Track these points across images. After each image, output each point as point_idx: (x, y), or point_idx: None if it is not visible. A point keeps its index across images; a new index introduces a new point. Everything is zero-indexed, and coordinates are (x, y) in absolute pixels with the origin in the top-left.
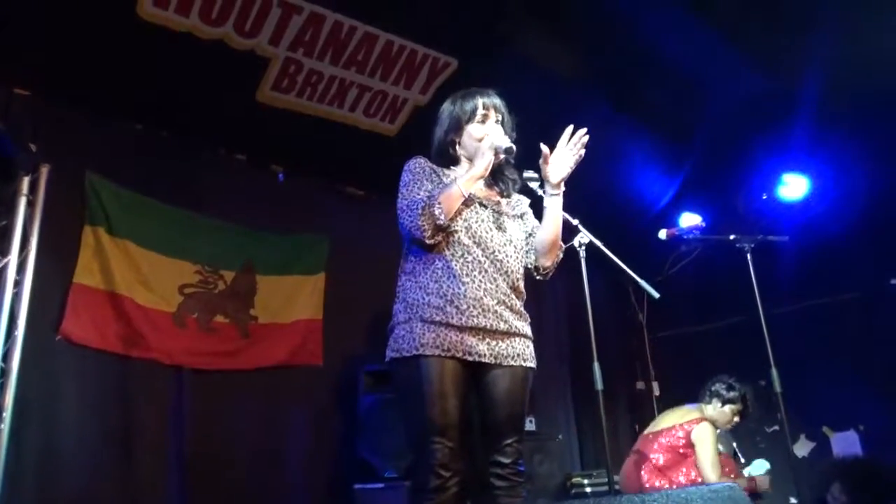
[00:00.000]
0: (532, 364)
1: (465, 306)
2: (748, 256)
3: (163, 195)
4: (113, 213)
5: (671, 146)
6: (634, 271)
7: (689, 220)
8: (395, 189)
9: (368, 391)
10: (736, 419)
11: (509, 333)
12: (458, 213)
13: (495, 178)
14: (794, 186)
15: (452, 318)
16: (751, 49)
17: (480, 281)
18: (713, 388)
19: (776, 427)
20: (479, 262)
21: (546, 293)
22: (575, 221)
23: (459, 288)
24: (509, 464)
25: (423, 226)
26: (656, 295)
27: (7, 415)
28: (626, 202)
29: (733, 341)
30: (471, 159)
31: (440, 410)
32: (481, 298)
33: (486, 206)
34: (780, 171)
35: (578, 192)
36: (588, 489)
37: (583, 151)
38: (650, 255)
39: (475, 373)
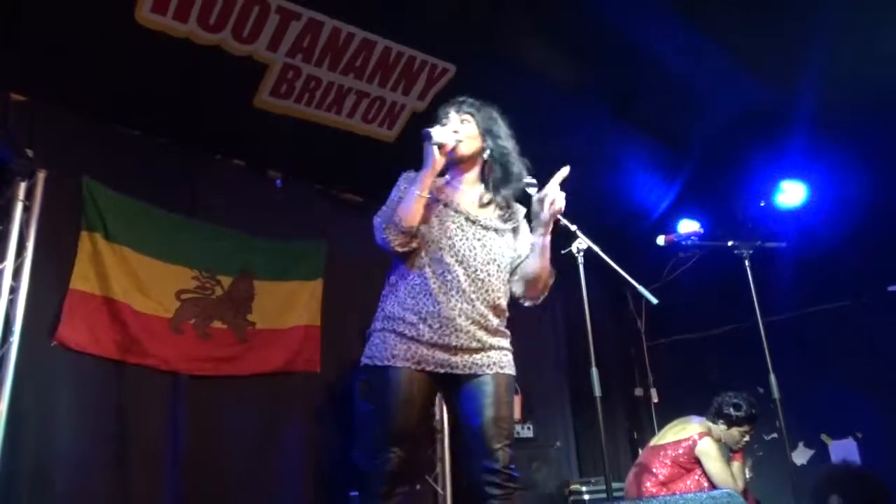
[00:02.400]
0: (510, 371)
1: (437, 325)
2: (746, 263)
3: (160, 201)
4: (110, 219)
5: (669, 153)
6: (633, 277)
7: (688, 226)
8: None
9: (365, 398)
10: (746, 439)
11: (483, 349)
12: (444, 230)
13: (491, 190)
14: (791, 193)
15: (424, 335)
16: (748, 57)
17: (456, 301)
18: (721, 410)
19: (774, 435)
20: (459, 281)
21: (544, 299)
22: (573, 227)
23: (434, 307)
24: (501, 469)
25: (388, 236)
26: (655, 301)
27: (2, 421)
28: (624, 208)
29: (731, 348)
30: (451, 164)
31: (401, 421)
32: (454, 319)
33: (473, 223)
34: (778, 178)
35: (577, 198)
36: (586, 496)
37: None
38: (648, 261)
39: (450, 384)
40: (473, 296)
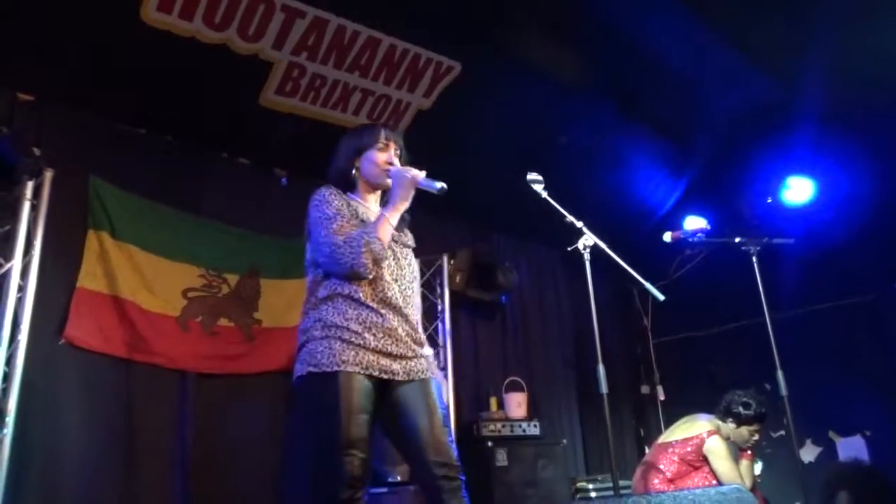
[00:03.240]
0: (432, 376)
1: (380, 335)
2: (753, 259)
3: (166, 199)
4: (116, 218)
5: (675, 149)
6: (639, 274)
7: (694, 223)
8: None
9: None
10: (755, 438)
11: (416, 357)
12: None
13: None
14: (798, 190)
15: (370, 343)
16: (754, 53)
17: (394, 314)
18: (730, 408)
19: (782, 432)
20: (396, 296)
21: (550, 297)
22: (579, 224)
23: (377, 318)
24: (453, 462)
25: (367, 263)
26: (661, 297)
27: (10, 419)
28: (630, 205)
29: (738, 345)
30: (370, 184)
31: (355, 424)
32: (395, 329)
33: (396, 242)
34: (785, 174)
35: (584, 195)
36: (593, 494)
37: None
38: (655, 258)
39: (386, 389)
40: (405, 310)
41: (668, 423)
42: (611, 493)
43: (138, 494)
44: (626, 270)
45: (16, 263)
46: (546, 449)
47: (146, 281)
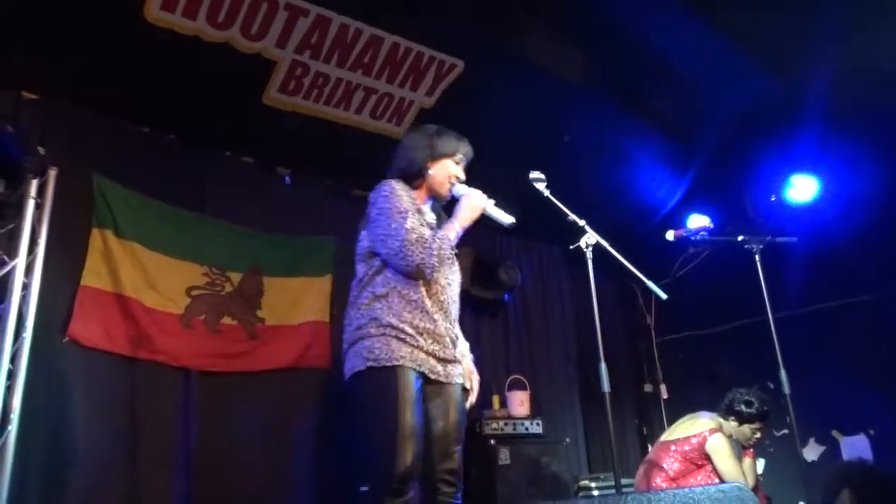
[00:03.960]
0: (463, 381)
1: (430, 340)
2: (757, 258)
3: (170, 197)
4: (120, 216)
5: (679, 147)
6: (642, 273)
7: (697, 221)
8: None
9: (368, 402)
10: (757, 436)
11: (455, 361)
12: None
13: (440, 218)
14: (802, 188)
15: (422, 346)
16: (758, 49)
17: (444, 319)
18: (732, 406)
19: (785, 431)
20: (448, 301)
21: (553, 294)
22: (582, 222)
23: (430, 324)
24: (456, 469)
25: (436, 264)
26: (664, 296)
27: (15, 416)
28: (633, 204)
29: (742, 344)
30: (433, 190)
31: (413, 416)
32: (444, 336)
33: (452, 258)
34: (789, 172)
35: (587, 193)
36: (595, 492)
37: None
38: (658, 256)
39: (428, 388)
40: (453, 315)
41: (672, 422)
42: (613, 490)
43: (142, 492)
44: (629, 269)
45: (20, 261)
46: (549, 447)
47: (150, 279)
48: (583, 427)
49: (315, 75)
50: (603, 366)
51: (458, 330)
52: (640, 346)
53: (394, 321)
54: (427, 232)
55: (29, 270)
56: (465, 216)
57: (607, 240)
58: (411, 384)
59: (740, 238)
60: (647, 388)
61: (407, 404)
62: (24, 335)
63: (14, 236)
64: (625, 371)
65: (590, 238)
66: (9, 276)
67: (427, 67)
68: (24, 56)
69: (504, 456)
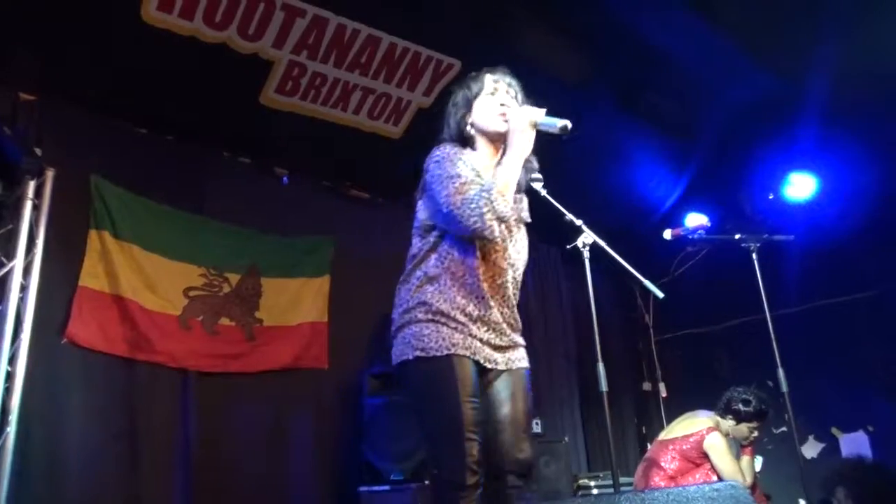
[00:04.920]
0: (527, 366)
1: (485, 328)
2: (754, 256)
3: (167, 198)
4: (118, 217)
5: (677, 146)
6: (640, 272)
7: (695, 220)
8: (400, 191)
9: (373, 394)
10: (755, 434)
11: (514, 346)
12: (508, 230)
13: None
14: (800, 186)
15: (476, 334)
16: (756, 48)
17: (502, 304)
18: (730, 405)
19: (784, 428)
20: (506, 286)
21: (551, 294)
22: (579, 222)
23: (485, 311)
24: (528, 460)
25: (491, 224)
26: (661, 295)
27: (13, 417)
28: (631, 202)
29: (740, 342)
30: (488, 137)
31: (471, 408)
32: (500, 323)
33: (519, 227)
34: (787, 170)
35: (584, 192)
36: (595, 490)
37: None
38: (656, 255)
39: (486, 377)
40: (513, 300)
41: (670, 420)
42: (612, 489)
43: (141, 493)
44: (626, 268)
45: (18, 263)
46: (548, 446)
47: (148, 280)
48: (581, 426)
49: (312, 76)
50: (601, 365)
51: (517, 314)
52: (639, 345)
53: (445, 307)
54: (474, 191)
55: (27, 272)
56: (513, 143)
57: (605, 239)
58: (468, 374)
59: (738, 237)
60: (646, 386)
61: (466, 396)
62: (22, 336)
63: (12, 238)
64: (624, 370)
65: (587, 237)
66: (7, 278)
67: (424, 67)
68: (21, 57)
69: None
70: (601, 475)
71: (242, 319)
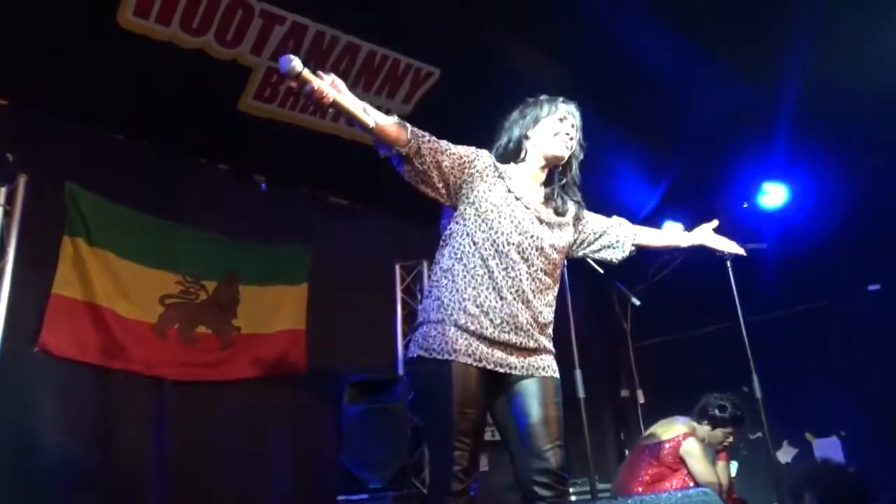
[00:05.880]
0: (558, 375)
1: (499, 321)
2: (728, 264)
3: (144, 205)
4: (93, 224)
5: (654, 154)
6: (618, 279)
7: (671, 227)
8: (379, 198)
9: (352, 402)
10: (730, 440)
11: (538, 350)
12: (515, 224)
13: (556, 194)
14: (773, 195)
15: (486, 330)
16: (731, 60)
17: (517, 298)
18: (705, 411)
19: (759, 433)
20: (521, 279)
21: None
22: None
23: (497, 302)
24: (553, 469)
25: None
26: (637, 302)
27: None
28: (608, 210)
29: (717, 348)
30: (543, 155)
31: (465, 415)
32: (516, 316)
33: (542, 222)
34: (761, 179)
35: None
36: (573, 497)
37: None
38: (634, 263)
39: (501, 384)
40: (531, 296)
41: (648, 426)
42: (589, 496)
43: (115, 502)
44: (603, 275)
45: None
46: None
47: (123, 288)
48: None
49: None
50: (578, 372)
51: (544, 315)
52: (617, 352)
53: (456, 299)
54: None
55: None
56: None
57: None
58: (467, 382)
59: None
60: (624, 393)
61: (459, 404)
62: None
63: None
64: (603, 376)
65: None
66: None
67: (403, 75)
68: None
69: (482, 462)
70: (579, 482)
71: (219, 327)
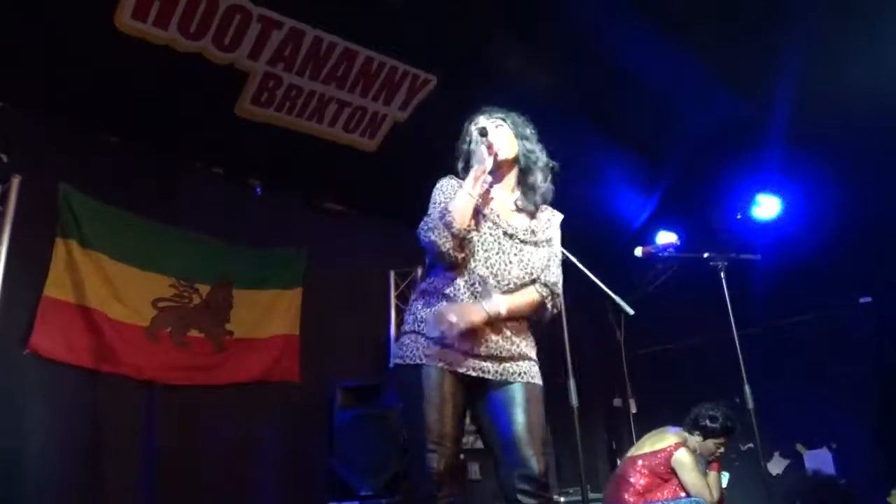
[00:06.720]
0: (539, 382)
1: (466, 335)
2: (721, 275)
3: (138, 208)
4: (86, 226)
5: (648, 165)
6: (612, 288)
7: (665, 238)
8: (374, 204)
9: (344, 407)
10: (721, 450)
11: (514, 357)
12: (482, 241)
13: (525, 195)
14: (767, 206)
15: (455, 342)
16: (726, 72)
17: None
18: (697, 421)
19: (751, 445)
20: (489, 294)
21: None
22: None
23: None
24: (537, 476)
25: (437, 238)
26: (631, 312)
27: None
28: (603, 220)
29: (709, 358)
30: (493, 167)
31: (438, 418)
32: (484, 329)
33: (511, 237)
34: (754, 191)
35: (556, 208)
36: None
37: None
38: (630, 272)
39: (479, 390)
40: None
41: (640, 436)
42: None
43: None
44: (598, 285)
45: None
46: None
47: (115, 290)
48: (551, 442)
49: (288, 87)
50: (571, 381)
51: (517, 326)
52: (610, 361)
53: (428, 312)
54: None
55: None
56: (477, 161)
57: (577, 255)
58: (440, 385)
59: (705, 255)
60: (617, 402)
61: (432, 407)
62: None
63: None
64: (596, 385)
65: None
66: None
67: (401, 82)
68: None
69: (474, 471)
70: (571, 490)
71: (212, 331)
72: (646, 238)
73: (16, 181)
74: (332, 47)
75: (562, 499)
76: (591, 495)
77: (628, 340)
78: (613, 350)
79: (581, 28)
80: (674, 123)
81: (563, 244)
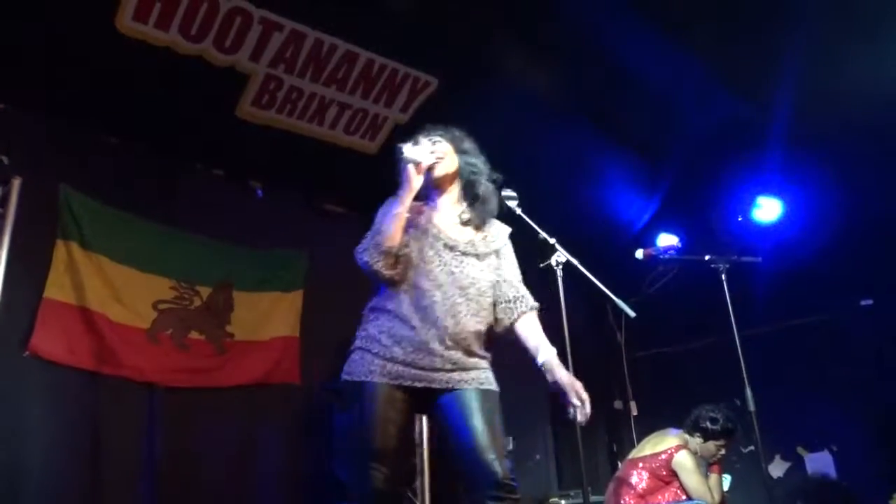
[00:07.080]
0: (492, 387)
1: (410, 349)
2: (723, 277)
3: (139, 209)
4: (87, 228)
5: (649, 167)
6: (612, 291)
7: (666, 240)
8: (375, 206)
9: (344, 410)
10: (721, 452)
11: (465, 368)
12: (422, 256)
13: (471, 208)
14: (768, 209)
15: (398, 356)
16: (726, 72)
17: (430, 326)
18: (697, 423)
19: (752, 447)
20: (434, 307)
21: None
22: (552, 240)
23: (409, 332)
24: (501, 480)
25: (370, 259)
26: (632, 314)
27: None
28: (604, 222)
29: (710, 361)
30: (428, 181)
31: (380, 437)
32: (429, 343)
33: (451, 248)
34: (756, 193)
35: (557, 211)
36: None
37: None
38: (629, 274)
39: (429, 399)
40: (449, 322)
41: (641, 439)
42: None
43: None
44: (598, 287)
45: None
46: (519, 465)
47: (116, 292)
48: (552, 444)
49: (289, 89)
50: None
51: (464, 338)
52: (611, 364)
53: (373, 332)
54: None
55: None
56: (403, 181)
57: (580, 258)
58: (382, 400)
59: (706, 257)
60: (618, 405)
61: (374, 423)
62: None
63: None
64: (596, 388)
65: (560, 256)
66: None
67: (402, 84)
68: None
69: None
70: (572, 494)
71: (213, 333)
72: (647, 240)
73: (16, 182)
74: (332, 49)
75: (563, 501)
76: (592, 498)
77: (629, 342)
78: (614, 352)
79: (581, 28)
80: (674, 124)
81: (564, 245)
